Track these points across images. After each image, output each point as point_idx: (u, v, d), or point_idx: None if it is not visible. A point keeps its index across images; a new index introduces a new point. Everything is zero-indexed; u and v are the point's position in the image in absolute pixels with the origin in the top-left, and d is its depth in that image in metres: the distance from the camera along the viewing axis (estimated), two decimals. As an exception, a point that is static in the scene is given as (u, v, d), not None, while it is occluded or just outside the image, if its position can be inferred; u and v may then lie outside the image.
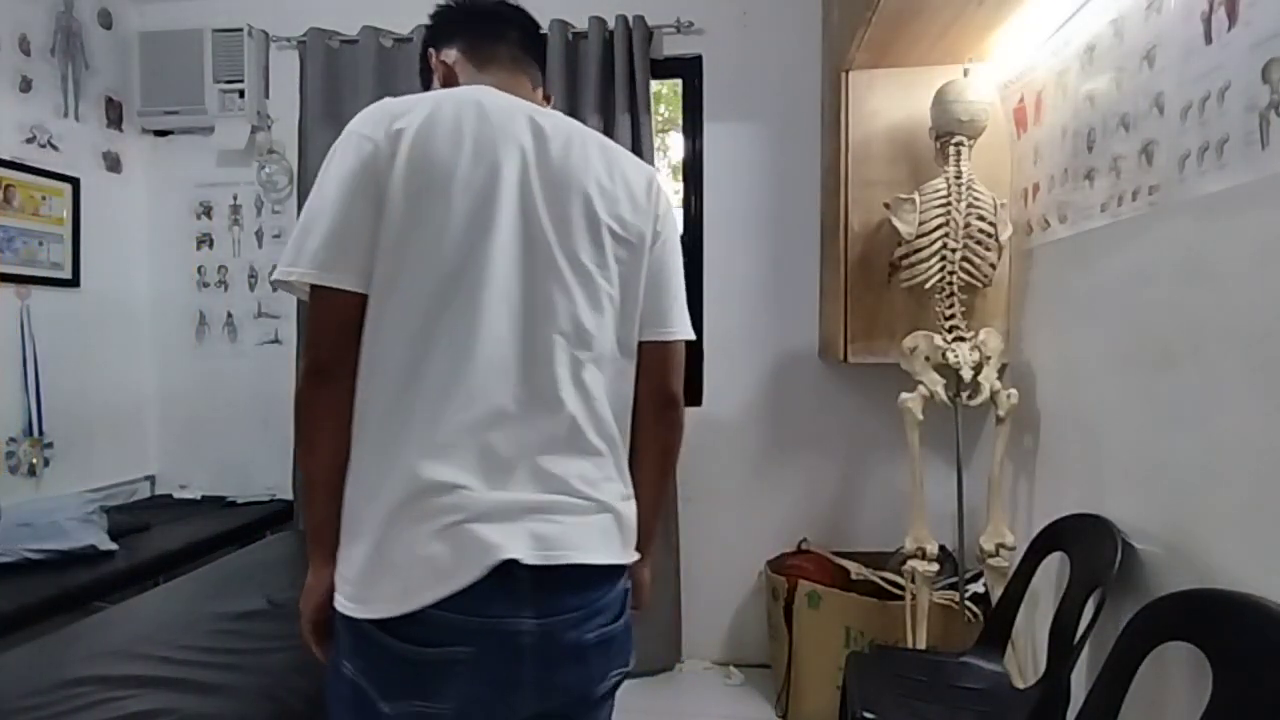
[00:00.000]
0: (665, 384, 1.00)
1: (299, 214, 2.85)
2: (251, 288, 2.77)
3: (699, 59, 2.57)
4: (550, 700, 0.88)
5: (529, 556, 0.83)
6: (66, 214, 2.48)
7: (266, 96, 2.72)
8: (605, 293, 0.93)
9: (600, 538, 0.91)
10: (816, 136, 2.51)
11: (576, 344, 0.90)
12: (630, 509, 0.97)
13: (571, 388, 0.89)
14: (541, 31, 1.17)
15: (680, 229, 1.03)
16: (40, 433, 2.37)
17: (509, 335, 0.86)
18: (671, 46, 2.55)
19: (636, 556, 0.98)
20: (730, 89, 2.57)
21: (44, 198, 2.40)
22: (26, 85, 2.36)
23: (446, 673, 0.81)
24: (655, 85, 2.61)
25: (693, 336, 1.02)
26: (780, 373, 2.57)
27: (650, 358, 0.99)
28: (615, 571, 0.93)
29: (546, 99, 1.10)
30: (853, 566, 2.26)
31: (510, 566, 0.81)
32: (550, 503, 0.87)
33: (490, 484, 0.84)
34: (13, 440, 2.31)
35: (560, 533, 0.87)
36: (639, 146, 2.43)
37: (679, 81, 2.64)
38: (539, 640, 0.84)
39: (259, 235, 2.77)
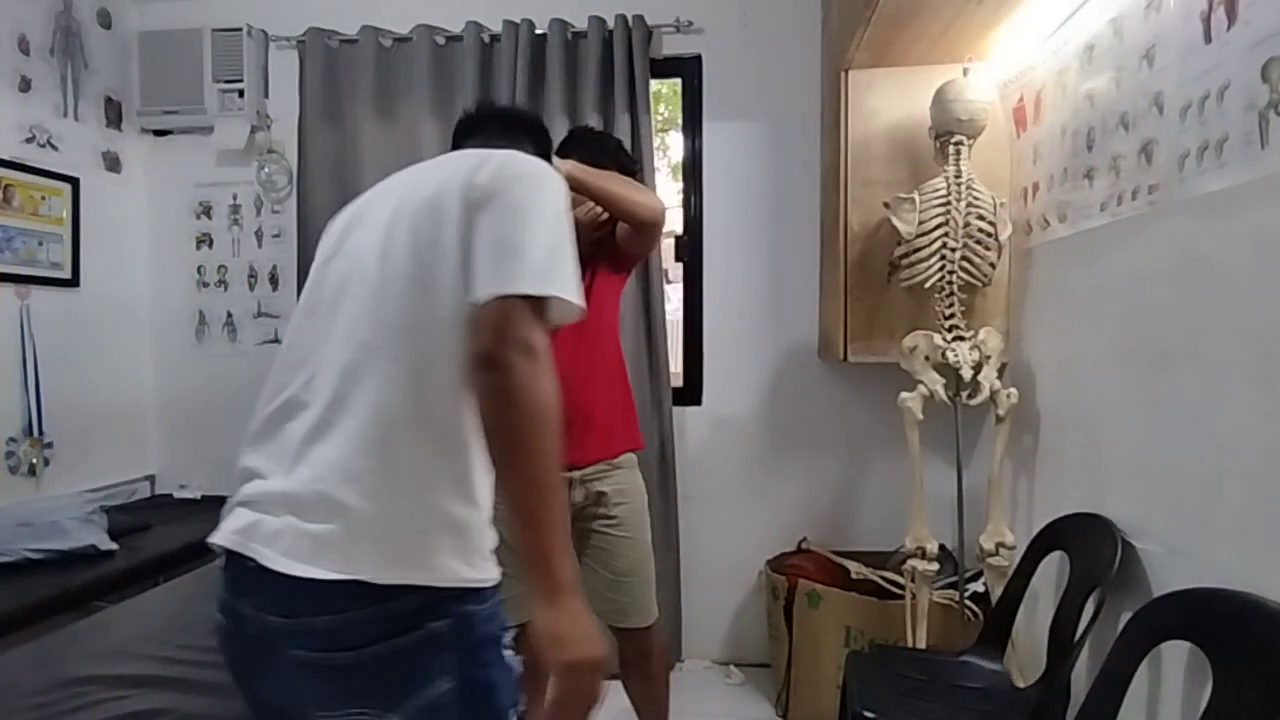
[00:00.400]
0: (480, 343, 0.83)
1: (298, 213, 2.84)
2: (251, 287, 2.77)
3: (698, 58, 2.57)
4: (285, 714, 0.87)
5: (226, 540, 0.87)
6: (66, 214, 2.48)
7: (266, 96, 2.71)
8: (404, 275, 0.89)
9: (307, 545, 0.82)
10: (816, 136, 2.51)
11: (367, 328, 0.88)
12: (394, 520, 0.83)
13: (360, 370, 0.87)
14: (528, 117, 1.32)
15: (544, 194, 0.92)
16: (40, 433, 2.37)
17: (305, 332, 0.95)
18: (671, 46, 2.55)
19: (405, 579, 0.82)
20: (730, 88, 2.57)
21: (43, 197, 2.40)
22: (26, 85, 2.36)
23: (217, 635, 0.94)
24: (655, 85, 2.61)
25: (511, 289, 0.82)
26: (780, 372, 2.57)
27: (473, 324, 0.86)
28: (329, 589, 0.79)
29: None
30: (852, 566, 2.26)
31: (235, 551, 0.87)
32: (291, 495, 0.85)
33: (273, 471, 0.89)
34: (13, 440, 2.31)
35: (273, 529, 0.84)
36: (638, 146, 2.43)
37: (678, 81, 2.64)
38: (259, 629, 0.86)
39: (259, 235, 2.77)
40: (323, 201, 2.57)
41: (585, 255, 1.72)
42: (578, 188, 1.59)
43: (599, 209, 1.66)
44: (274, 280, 2.75)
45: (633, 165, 1.79)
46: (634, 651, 1.78)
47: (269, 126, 2.72)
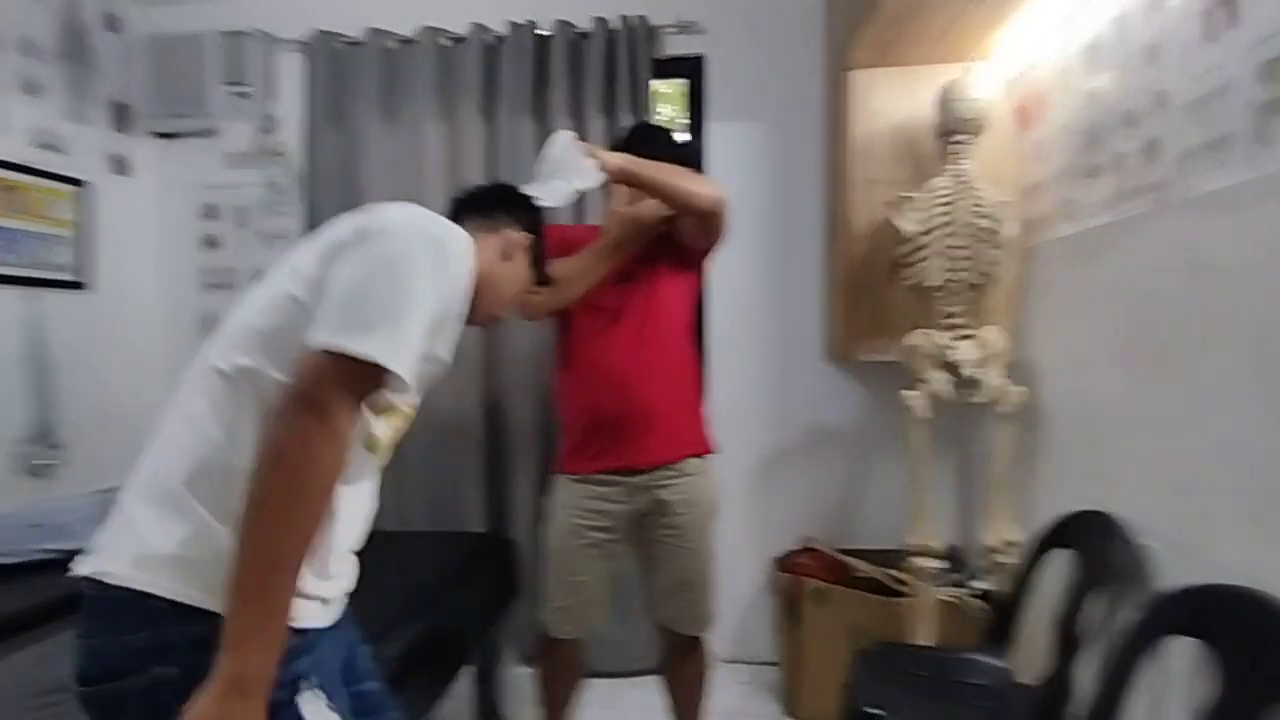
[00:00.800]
0: (283, 387, 0.80)
1: (303, 216, 2.83)
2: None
3: (702, 59, 2.58)
4: None
5: None
6: (75, 217, 2.50)
7: (272, 99, 2.73)
8: (259, 295, 0.93)
9: (99, 551, 0.86)
10: (819, 136, 2.52)
11: (216, 337, 0.94)
12: (139, 516, 0.84)
13: (191, 372, 0.93)
14: (507, 191, 1.28)
15: (413, 254, 0.86)
16: (51, 434, 2.38)
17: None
18: (675, 46, 2.56)
19: (127, 580, 0.80)
20: (733, 88, 2.57)
21: (51, 201, 2.42)
22: (33, 88, 2.37)
23: None
24: (659, 85, 2.61)
25: (328, 343, 0.78)
26: (785, 371, 2.58)
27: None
28: (87, 605, 0.83)
29: (511, 248, 1.18)
30: (858, 564, 2.26)
31: None
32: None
33: None
34: (24, 442, 2.33)
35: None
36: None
37: (682, 81, 2.64)
38: None
39: (264, 237, 2.78)
40: (328, 204, 2.58)
41: (648, 252, 1.70)
42: (629, 180, 1.56)
43: (658, 203, 1.61)
44: (280, 282, 2.76)
45: (689, 157, 1.74)
46: (677, 653, 1.78)
47: (275, 129, 2.73)
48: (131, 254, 2.74)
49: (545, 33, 2.49)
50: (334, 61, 2.59)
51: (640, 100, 2.45)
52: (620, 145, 1.68)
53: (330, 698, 0.87)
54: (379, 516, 2.73)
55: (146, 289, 2.80)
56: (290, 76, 2.69)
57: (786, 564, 2.38)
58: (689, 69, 2.60)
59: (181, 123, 2.71)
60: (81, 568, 0.84)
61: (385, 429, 0.96)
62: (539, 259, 1.24)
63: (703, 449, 1.75)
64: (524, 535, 2.43)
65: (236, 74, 2.64)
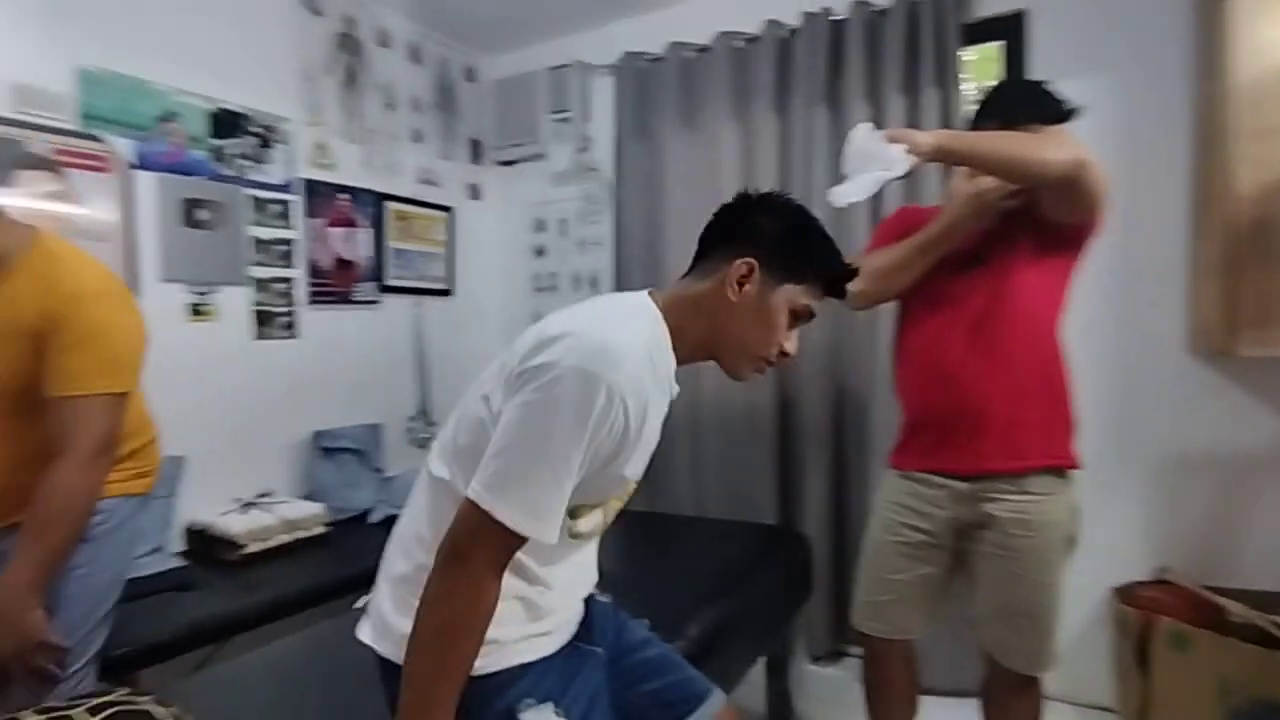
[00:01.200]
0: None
1: (614, 224, 3.08)
2: (575, 289, 3.14)
3: (1023, 15, 2.28)
4: None
5: None
6: (445, 236, 3.07)
7: (588, 120, 3.05)
8: (471, 414, 0.96)
9: (366, 616, 1.02)
10: (1180, 84, 2.07)
11: (449, 432, 1.02)
12: (384, 590, 0.99)
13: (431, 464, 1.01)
14: (735, 210, 1.05)
15: (564, 402, 0.83)
16: (428, 413, 2.97)
17: None
18: (989, 6, 2.31)
19: (379, 647, 0.96)
20: (1063, 42, 2.23)
21: (430, 225, 3.01)
22: (418, 136, 2.97)
23: None
24: (969, 53, 2.37)
25: (475, 499, 0.84)
26: (1133, 366, 2.18)
27: None
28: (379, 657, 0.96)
29: (725, 285, 0.99)
30: (1232, 606, 1.83)
31: None
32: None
33: None
34: (411, 419, 2.93)
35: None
36: (949, 122, 2.25)
37: (996, 45, 2.36)
38: None
39: (581, 244, 3.13)
40: (634, 211, 2.82)
41: (1005, 231, 1.48)
42: (949, 158, 1.37)
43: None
44: (594, 283, 3.09)
45: (1062, 112, 1.44)
46: (1003, 687, 1.58)
47: (590, 148, 3.05)
48: (482, 265, 3.29)
49: (840, 17, 2.42)
50: (639, 79, 2.81)
51: (947, 73, 2.26)
52: (976, 121, 1.49)
53: (557, 704, 0.93)
54: (677, 500, 2.88)
55: (492, 293, 3.34)
56: (603, 98, 2.97)
57: (1133, 597, 2.02)
58: (1005, 30, 2.32)
59: (518, 150, 3.17)
60: (360, 635, 1.00)
61: (589, 523, 0.98)
62: (801, 272, 1.00)
63: (1058, 464, 1.48)
64: (816, 530, 2.40)
65: (560, 103, 3.01)
